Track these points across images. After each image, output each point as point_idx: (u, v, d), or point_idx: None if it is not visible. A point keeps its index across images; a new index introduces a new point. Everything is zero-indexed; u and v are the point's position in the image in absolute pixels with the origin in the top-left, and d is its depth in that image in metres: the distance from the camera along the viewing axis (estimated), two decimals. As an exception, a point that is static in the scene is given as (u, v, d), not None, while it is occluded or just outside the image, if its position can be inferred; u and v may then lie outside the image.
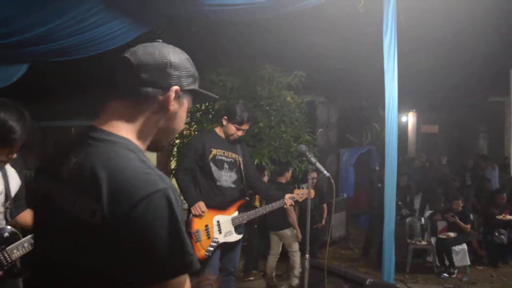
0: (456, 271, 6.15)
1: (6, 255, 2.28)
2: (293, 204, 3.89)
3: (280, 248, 5.48)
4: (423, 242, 6.59)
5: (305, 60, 7.37)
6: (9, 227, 2.36)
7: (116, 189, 1.04)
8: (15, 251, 2.31)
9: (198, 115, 6.84)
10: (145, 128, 1.21)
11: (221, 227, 3.63)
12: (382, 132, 11.73)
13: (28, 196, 1.24)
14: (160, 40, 1.25)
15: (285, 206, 3.82)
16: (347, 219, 7.72)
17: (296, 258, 5.21)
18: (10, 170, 2.41)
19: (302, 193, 3.86)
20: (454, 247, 6.20)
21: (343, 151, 8.03)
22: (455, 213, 6.54)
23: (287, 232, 5.33)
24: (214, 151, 3.65)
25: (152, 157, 11.90)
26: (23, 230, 2.43)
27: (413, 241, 6.55)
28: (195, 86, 1.27)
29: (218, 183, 3.66)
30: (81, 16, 3.74)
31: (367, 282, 3.53)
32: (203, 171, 3.65)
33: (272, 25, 6.72)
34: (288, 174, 5.71)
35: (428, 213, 7.73)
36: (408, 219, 6.98)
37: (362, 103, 10.98)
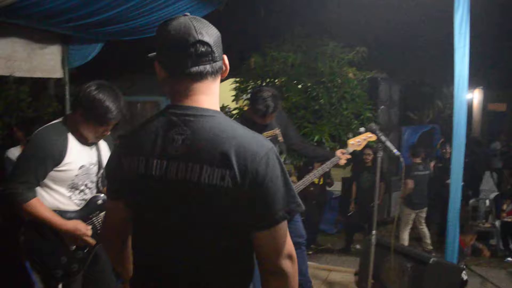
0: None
1: (100, 220, 2.50)
2: (349, 157, 3.61)
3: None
4: (487, 225, 6.41)
5: (368, 35, 7.22)
6: (102, 194, 2.56)
7: (239, 154, 1.24)
8: None
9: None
10: (217, 96, 1.40)
11: None
12: (445, 110, 11.37)
13: (123, 181, 1.36)
14: (188, 14, 1.36)
15: (340, 162, 3.57)
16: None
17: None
18: (102, 144, 2.62)
19: (358, 140, 3.57)
20: (520, 231, 6.00)
21: (405, 129, 7.84)
22: (522, 195, 6.30)
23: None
24: None
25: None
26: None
27: (476, 223, 6.39)
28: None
29: None
30: (152, -3, 3.89)
31: (431, 262, 3.53)
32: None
33: (335, 0, 6.63)
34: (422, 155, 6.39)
35: (493, 195, 7.46)
36: (471, 201, 6.79)
37: (425, 80, 10.61)
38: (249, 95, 6.89)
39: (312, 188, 5.76)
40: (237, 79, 7.10)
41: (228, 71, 1.41)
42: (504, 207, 6.53)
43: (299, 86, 6.59)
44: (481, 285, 5.05)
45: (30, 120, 5.23)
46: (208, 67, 1.32)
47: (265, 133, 3.59)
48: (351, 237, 6.36)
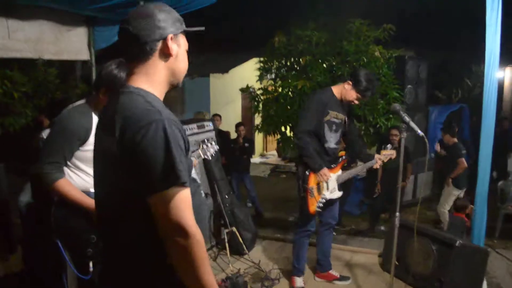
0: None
1: None
2: (382, 164, 4.02)
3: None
4: (516, 207, 6.28)
5: (395, 12, 7.02)
6: None
7: (124, 123, 1.37)
8: None
9: (283, 71, 6.86)
10: (158, 75, 1.51)
11: (328, 184, 3.79)
12: (474, 89, 11.06)
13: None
14: (142, 2, 1.49)
15: (374, 166, 3.96)
16: (433, 179, 7.51)
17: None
18: None
19: (387, 154, 4.02)
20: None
21: (432, 108, 7.67)
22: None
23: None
24: (331, 113, 3.75)
25: (237, 112, 12.16)
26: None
27: (504, 206, 6.27)
28: (183, 28, 1.55)
29: (326, 145, 3.79)
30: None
31: (457, 244, 3.50)
32: (315, 132, 3.74)
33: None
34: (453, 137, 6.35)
35: (522, 176, 7.29)
36: (499, 183, 6.65)
37: (454, 58, 10.31)
38: (273, 75, 6.88)
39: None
40: (261, 59, 7.05)
41: (170, 52, 1.49)
42: None
43: (324, 65, 6.50)
44: (508, 269, 4.98)
45: (59, 102, 5.35)
46: (134, 50, 1.48)
47: (340, 114, 3.84)
48: (375, 219, 6.34)
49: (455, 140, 6.18)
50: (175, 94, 10.33)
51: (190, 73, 10.17)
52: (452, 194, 6.06)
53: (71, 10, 4.29)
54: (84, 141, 2.39)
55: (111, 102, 1.51)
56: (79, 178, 2.44)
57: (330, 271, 4.17)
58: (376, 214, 6.34)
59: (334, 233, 5.90)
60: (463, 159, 5.93)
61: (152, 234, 1.39)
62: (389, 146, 4.26)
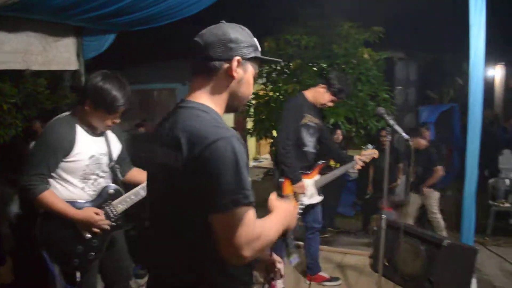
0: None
1: (112, 209, 2.59)
2: (363, 165, 4.05)
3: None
4: (507, 204, 6.32)
5: (383, 14, 7.09)
6: (113, 184, 2.65)
7: (191, 139, 1.34)
8: (119, 205, 2.61)
9: (274, 75, 6.91)
10: (218, 94, 1.50)
11: (306, 190, 3.79)
12: (465, 87, 11.12)
13: (140, 160, 1.67)
14: (223, 21, 1.51)
15: (355, 166, 3.98)
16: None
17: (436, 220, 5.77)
18: (111, 135, 2.69)
19: (367, 154, 4.07)
20: (541, 210, 5.89)
21: (423, 108, 7.72)
22: (544, 174, 6.17)
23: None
24: (307, 117, 3.78)
25: (229, 117, 12.21)
26: (125, 187, 2.73)
27: (495, 203, 6.31)
28: (256, 54, 1.52)
29: (304, 149, 3.83)
30: (163, -15, 3.90)
31: (445, 244, 3.53)
32: (295, 137, 3.77)
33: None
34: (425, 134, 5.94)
35: (514, 173, 7.33)
36: (491, 180, 6.70)
37: (443, 58, 10.39)
38: (263, 80, 6.92)
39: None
40: (252, 64, 7.09)
41: (234, 75, 1.46)
42: None
43: (314, 69, 6.55)
44: (499, 266, 5.02)
45: (49, 112, 5.36)
46: (199, 64, 1.47)
47: (315, 118, 3.87)
48: (368, 219, 6.37)
49: (426, 143, 5.76)
50: (168, 100, 10.38)
51: (183, 79, 10.22)
52: (436, 198, 5.87)
53: (58, 20, 4.31)
54: (68, 152, 2.41)
55: (170, 116, 1.49)
56: (64, 189, 2.46)
57: (320, 273, 4.20)
58: (368, 214, 6.37)
59: (326, 234, 5.97)
60: (440, 168, 5.66)
61: (211, 251, 1.36)
62: (369, 146, 4.31)
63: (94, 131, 2.54)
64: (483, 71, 4.10)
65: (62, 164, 2.42)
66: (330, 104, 3.88)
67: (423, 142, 5.72)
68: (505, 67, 12.66)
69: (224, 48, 1.44)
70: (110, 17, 4.26)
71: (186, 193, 1.36)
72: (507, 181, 6.59)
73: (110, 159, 2.64)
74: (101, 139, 2.60)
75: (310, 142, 3.86)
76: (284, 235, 1.59)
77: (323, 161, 4.00)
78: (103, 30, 4.73)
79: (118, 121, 2.53)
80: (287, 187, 3.76)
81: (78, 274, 2.46)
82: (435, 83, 10.20)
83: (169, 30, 5.33)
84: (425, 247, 3.63)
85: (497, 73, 12.81)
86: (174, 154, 1.36)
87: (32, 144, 4.51)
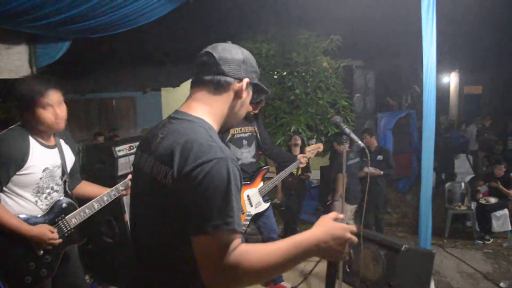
0: (491, 239, 6.08)
1: (65, 223, 2.49)
2: (308, 161, 4.20)
3: None
4: (463, 207, 6.53)
5: (342, 24, 7.21)
6: (66, 198, 2.56)
7: (184, 155, 1.28)
8: (73, 219, 2.52)
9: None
10: (220, 111, 1.47)
11: (251, 200, 3.80)
12: (422, 95, 11.48)
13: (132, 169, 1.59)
14: (230, 42, 1.51)
15: (301, 165, 4.10)
16: (386, 183, 7.69)
17: None
18: (65, 147, 2.60)
19: (312, 149, 4.20)
20: (495, 213, 6.11)
21: (381, 115, 7.90)
22: (497, 178, 6.42)
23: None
24: (232, 131, 3.73)
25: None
26: (80, 200, 2.64)
27: (452, 206, 6.51)
28: (257, 81, 1.54)
29: (239, 163, 3.76)
30: (118, -7, 3.83)
31: (403, 248, 3.58)
32: None
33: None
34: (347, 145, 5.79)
35: (469, 177, 7.60)
36: (447, 184, 6.91)
37: (401, 66, 10.69)
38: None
39: (290, 179, 5.80)
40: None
41: (242, 95, 1.48)
42: (478, 188, 6.65)
43: (275, 77, 6.60)
44: (457, 267, 5.17)
45: (1, 121, 5.15)
46: (208, 77, 1.44)
47: (246, 127, 3.82)
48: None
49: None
50: (127, 109, 10.18)
51: (142, 88, 10.05)
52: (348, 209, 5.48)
53: (9, 27, 4.16)
54: (20, 166, 2.31)
55: (164, 127, 1.43)
56: (15, 203, 2.36)
57: (282, 283, 4.19)
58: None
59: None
60: (340, 175, 5.29)
61: (191, 273, 1.32)
62: (313, 141, 4.40)
63: (47, 142, 2.46)
64: (435, 78, 4.23)
65: (14, 178, 2.32)
66: (255, 111, 3.82)
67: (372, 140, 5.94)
68: (459, 74, 13.16)
69: (237, 67, 1.44)
70: (64, 24, 4.15)
71: (171, 210, 1.30)
72: (463, 185, 6.81)
73: (64, 171, 2.55)
74: (55, 151, 2.50)
75: (245, 153, 3.82)
76: (329, 269, 1.44)
77: (266, 167, 3.98)
78: (57, 38, 4.60)
79: (59, 112, 2.39)
80: None
81: (29, 292, 2.35)
82: (393, 90, 10.47)
83: (129, 37, 5.24)
84: (384, 252, 3.67)
85: (452, 79, 13.29)
86: (165, 168, 1.31)
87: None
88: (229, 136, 3.72)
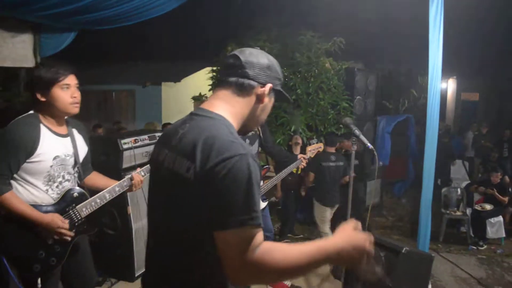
0: (484, 245, 6.14)
1: (76, 212, 2.49)
2: (308, 161, 4.15)
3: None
4: (458, 213, 6.59)
5: (345, 25, 7.23)
6: (78, 187, 2.55)
7: (206, 151, 1.30)
8: (84, 209, 2.51)
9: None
10: (241, 112, 1.51)
11: None
12: (420, 99, 11.56)
13: (149, 163, 1.66)
14: (258, 48, 1.58)
15: (301, 165, 4.05)
16: (381, 187, 7.75)
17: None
18: (78, 136, 2.60)
19: (313, 148, 4.19)
20: (489, 219, 6.17)
21: (381, 118, 7.93)
22: (493, 185, 6.48)
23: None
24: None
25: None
26: (90, 191, 2.63)
27: (447, 211, 6.56)
28: (280, 88, 1.58)
29: None
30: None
31: (403, 251, 3.61)
32: None
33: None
34: (338, 145, 5.84)
35: (464, 183, 7.66)
36: (443, 189, 6.96)
37: (401, 70, 10.74)
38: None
39: (290, 178, 5.82)
40: (214, 68, 7.07)
41: (264, 100, 1.51)
42: (474, 189, 6.70)
43: (277, 76, 6.60)
44: (452, 272, 5.21)
45: (1, 110, 5.11)
46: (232, 79, 1.48)
47: None
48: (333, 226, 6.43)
49: (330, 149, 5.46)
50: (127, 102, 10.15)
51: (142, 81, 10.02)
52: (319, 211, 5.42)
53: (16, 16, 4.13)
54: (31, 153, 2.31)
55: (186, 123, 1.46)
56: (26, 191, 2.35)
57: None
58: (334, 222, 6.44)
59: (287, 240, 5.99)
60: (311, 173, 5.43)
61: (211, 266, 1.36)
62: (314, 140, 4.39)
63: (60, 131, 2.46)
64: (440, 84, 4.26)
65: (25, 165, 2.31)
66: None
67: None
68: (457, 80, 13.24)
69: (262, 72, 1.48)
70: (71, 15, 4.14)
71: (193, 205, 1.32)
72: (459, 190, 6.86)
73: (76, 161, 2.55)
74: (67, 140, 2.50)
75: None
76: (347, 274, 1.46)
77: (266, 166, 4.02)
78: (63, 28, 4.57)
79: (76, 95, 2.43)
80: None
81: (39, 281, 2.36)
82: (391, 94, 10.51)
83: (131, 31, 5.22)
84: (384, 254, 3.70)
85: (449, 86, 13.37)
86: (187, 163, 1.33)
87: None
88: None
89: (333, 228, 5.27)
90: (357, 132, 2.99)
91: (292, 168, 4.09)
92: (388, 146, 7.60)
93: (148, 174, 2.56)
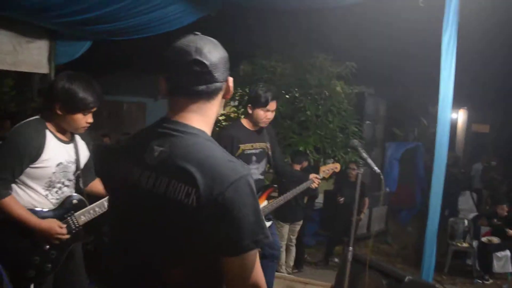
0: (490, 280, 6.02)
1: (74, 219, 2.47)
2: (320, 182, 3.87)
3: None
4: (464, 244, 6.47)
5: (358, 50, 7.27)
6: (76, 194, 2.54)
7: (209, 175, 1.21)
8: (82, 216, 2.49)
9: (246, 99, 6.92)
10: (213, 117, 1.39)
11: None
12: (429, 128, 11.52)
13: (104, 177, 1.50)
14: (199, 33, 1.36)
15: (312, 185, 3.78)
16: (387, 213, 7.67)
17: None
18: (80, 143, 2.59)
19: (328, 169, 3.92)
20: (496, 253, 6.06)
21: (389, 144, 7.91)
22: (500, 217, 6.37)
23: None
24: (242, 147, 3.50)
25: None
26: (92, 197, 2.62)
27: (454, 242, 6.45)
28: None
29: None
30: (144, -1, 3.87)
31: (406, 280, 3.54)
32: None
33: (327, 14, 6.67)
34: (304, 164, 5.71)
35: (472, 215, 7.55)
36: (450, 220, 6.86)
37: (411, 98, 10.74)
38: (236, 102, 6.92)
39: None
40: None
41: (231, 92, 1.40)
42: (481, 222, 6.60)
43: (287, 96, 6.62)
44: (455, 305, 5.10)
45: (12, 114, 5.16)
46: (202, 87, 1.31)
47: (258, 143, 3.60)
48: (330, 250, 6.36)
49: (296, 167, 5.56)
50: (137, 115, 10.20)
51: (154, 94, 10.10)
52: (277, 226, 5.32)
53: (33, 21, 4.19)
54: (35, 158, 2.30)
55: (164, 140, 1.30)
56: (26, 195, 2.34)
57: None
58: (332, 246, 6.37)
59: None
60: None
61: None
62: (330, 160, 4.17)
63: (63, 137, 2.45)
64: (450, 113, 4.22)
65: (28, 170, 2.30)
66: (270, 116, 3.50)
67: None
68: (468, 111, 13.20)
69: (224, 68, 1.35)
70: (87, 24, 4.18)
71: (194, 231, 1.23)
72: (466, 222, 6.76)
73: (77, 167, 2.54)
74: (70, 146, 2.49)
75: (253, 170, 3.57)
76: None
77: (273, 186, 3.82)
78: (79, 37, 4.63)
79: (91, 120, 2.44)
80: None
81: (32, 286, 2.33)
82: (401, 121, 10.49)
83: (146, 43, 5.28)
84: (387, 282, 3.63)
85: (460, 116, 13.32)
86: (186, 188, 1.22)
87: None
88: (239, 151, 3.51)
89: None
90: (364, 155, 2.96)
91: (302, 188, 3.81)
92: (395, 172, 7.55)
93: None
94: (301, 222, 5.63)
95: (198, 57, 1.29)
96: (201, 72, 1.29)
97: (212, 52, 1.31)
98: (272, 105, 3.48)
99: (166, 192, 1.25)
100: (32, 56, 4.46)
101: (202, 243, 1.23)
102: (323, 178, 3.92)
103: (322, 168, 3.95)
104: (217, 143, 1.34)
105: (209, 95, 1.34)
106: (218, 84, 1.33)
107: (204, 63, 1.29)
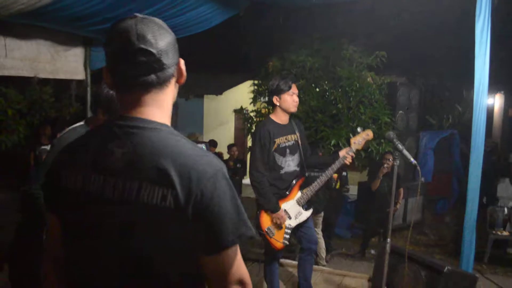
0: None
1: None
2: (354, 155, 3.67)
3: None
4: (505, 233, 6.32)
5: (387, 40, 7.19)
6: None
7: (183, 173, 1.10)
8: None
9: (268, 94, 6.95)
10: (168, 106, 1.25)
11: (289, 213, 3.62)
12: (464, 114, 11.25)
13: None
14: (138, 14, 1.18)
15: (346, 161, 3.60)
16: (423, 204, 7.56)
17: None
18: None
19: (359, 140, 3.63)
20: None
21: (423, 134, 7.78)
22: (542, 204, 6.20)
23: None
24: (277, 141, 3.58)
25: (230, 134, 12.21)
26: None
27: (493, 231, 6.31)
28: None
29: (282, 171, 3.60)
30: (176, 1, 3.96)
31: (445, 270, 3.51)
32: (268, 163, 3.57)
33: (353, 5, 6.62)
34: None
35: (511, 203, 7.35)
36: (489, 208, 6.70)
37: (445, 84, 10.51)
38: (266, 98, 6.96)
39: (329, 192, 5.77)
40: (256, 82, 7.16)
41: (184, 76, 1.26)
42: None
43: (317, 90, 6.61)
44: (497, 294, 5.01)
45: (53, 120, 5.38)
46: (152, 77, 1.16)
47: (290, 136, 3.64)
48: (367, 242, 6.35)
49: None
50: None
51: (186, 94, 10.26)
52: None
53: (69, 30, 4.36)
54: None
55: (124, 141, 1.15)
56: None
57: None
58: (368, 238, 6.36)
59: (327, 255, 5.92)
60: None
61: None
62: (359, 128, 3.90)
63: None
64: (486, 100, 4.14)
65: None
66: (296, 99, 3.56)
67: None
68: (504, 96, 12.79)
69: (174, 50, 1.19)
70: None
71: (175, 236, 1.12)
72: (506, 210, 6.59)
73: None
74: None
75: (288, 161, 3.63)
76: None
77: (303, 176, 3.73)
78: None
79: None
80: (265, 220, 3.57)
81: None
82: (435, 108, 10.28)
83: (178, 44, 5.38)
84: (425, 273, 3.61)
85: (496, 101, 12.94)
86: (161, 191, 1.10)
87: (40, 149, 4.51)
88: (275, 146, 3.57)
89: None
90: (400, 146, 2.94)
91: (335, 168, 3.62)
92: (431, 162, 7.43)
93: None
94: (322, 214, 5.52)
95: (143, 46, 1.12)
96: (148, 61, 1.13)
97: (157, 37, 1.15)
98: (295, 88, 3.58)
99: (138, 197, 1.11)
100: (69, 63, 4.64)
101: (184, 247, 1.14)
102: (357, 151, 3.66)
103: (353, 140, 3.67)
104: (181, 135, 1.22)
105: (161, 84, 1.18)
106: (169, 70, 1.18)
107: (150, 52, 1.13)
